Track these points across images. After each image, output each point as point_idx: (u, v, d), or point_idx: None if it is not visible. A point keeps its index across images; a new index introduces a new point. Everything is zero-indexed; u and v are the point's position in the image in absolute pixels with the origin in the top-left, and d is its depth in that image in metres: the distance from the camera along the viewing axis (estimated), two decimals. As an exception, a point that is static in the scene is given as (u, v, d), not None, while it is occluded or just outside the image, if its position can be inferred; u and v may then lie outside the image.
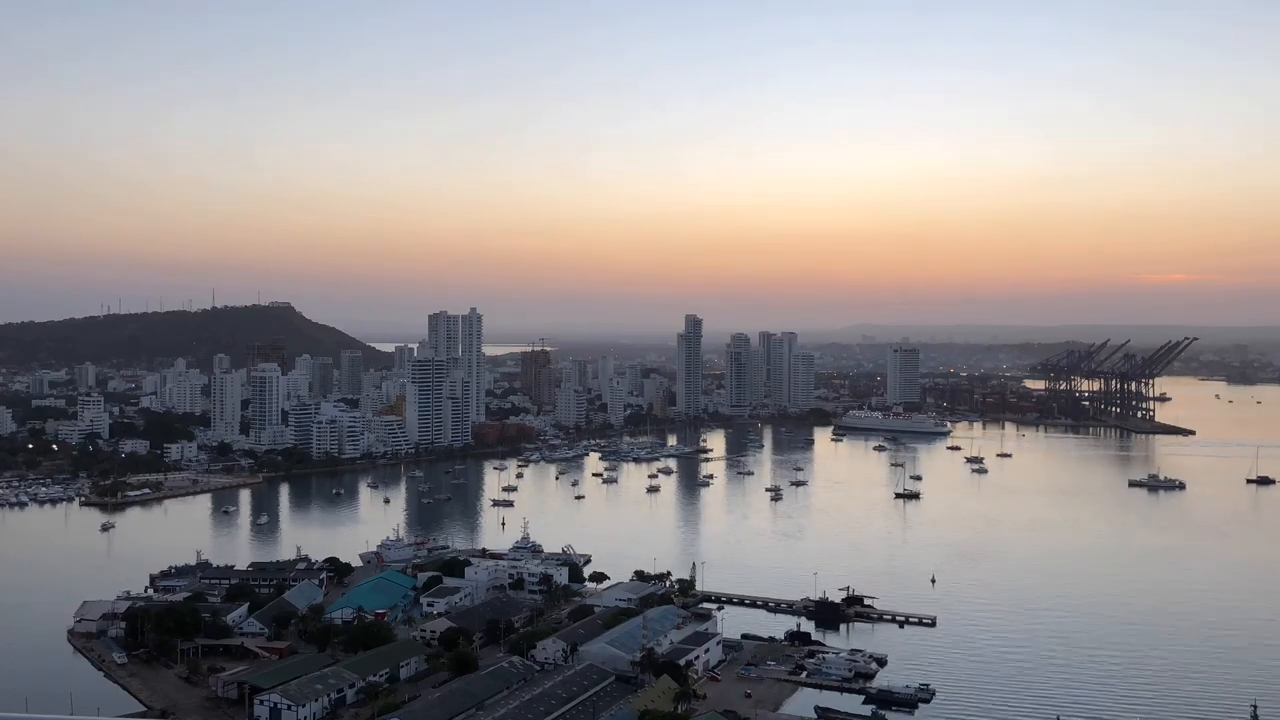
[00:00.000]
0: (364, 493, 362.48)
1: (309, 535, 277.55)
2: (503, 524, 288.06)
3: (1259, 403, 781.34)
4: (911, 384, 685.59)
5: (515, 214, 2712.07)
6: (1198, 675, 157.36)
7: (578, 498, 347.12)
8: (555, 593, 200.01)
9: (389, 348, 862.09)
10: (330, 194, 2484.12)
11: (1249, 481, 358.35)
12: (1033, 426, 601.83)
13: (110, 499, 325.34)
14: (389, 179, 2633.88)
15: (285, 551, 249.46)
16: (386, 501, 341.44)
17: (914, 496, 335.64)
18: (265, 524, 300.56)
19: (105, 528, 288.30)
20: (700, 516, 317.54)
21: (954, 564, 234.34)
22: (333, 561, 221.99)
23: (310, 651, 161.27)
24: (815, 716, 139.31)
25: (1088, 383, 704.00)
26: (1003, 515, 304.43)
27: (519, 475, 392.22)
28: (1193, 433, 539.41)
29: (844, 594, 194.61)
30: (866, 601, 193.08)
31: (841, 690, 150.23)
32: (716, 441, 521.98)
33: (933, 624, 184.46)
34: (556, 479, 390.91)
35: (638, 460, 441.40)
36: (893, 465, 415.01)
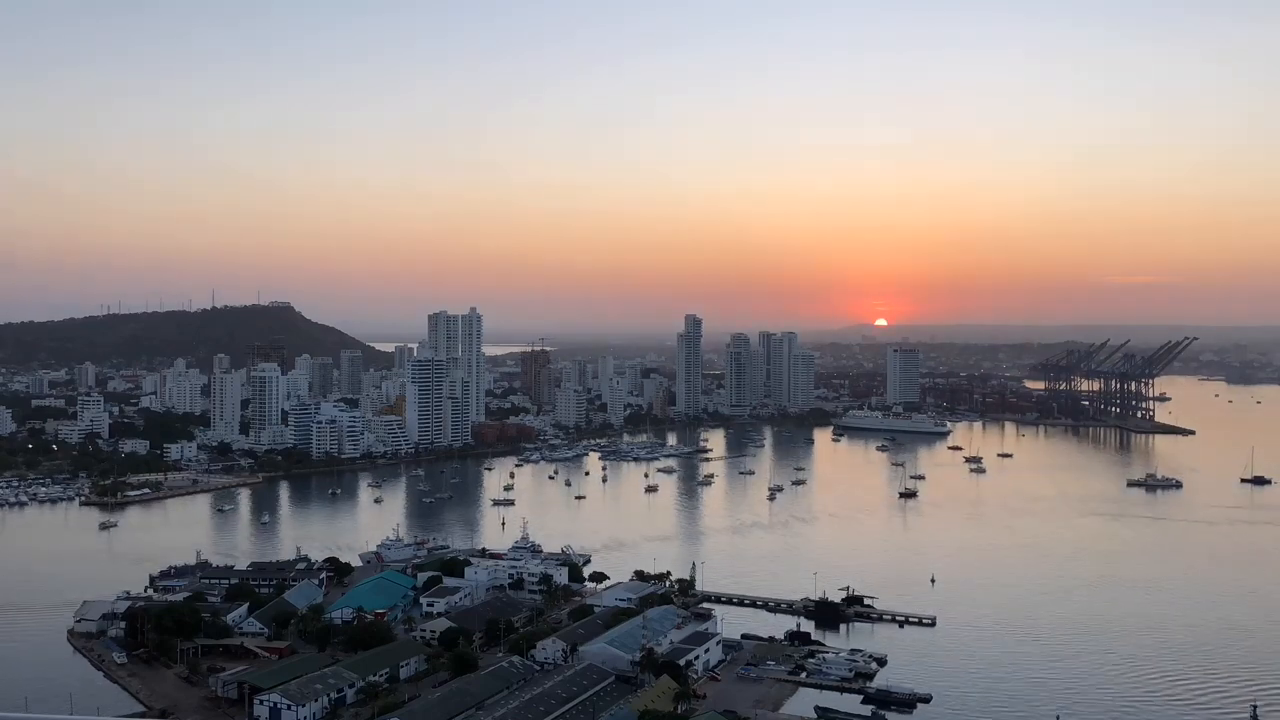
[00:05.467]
0: (364, 493, 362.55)
1: (309, 535, 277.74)
2: (503, 524, 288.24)
3: (1259, 402, 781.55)
4: (911, 384, 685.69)
5: (515, 213, 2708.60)
6: (1197, 675, 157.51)
7: (578, 498, 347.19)
8: (555, 593, 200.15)
9: (389, 348, 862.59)
10: (330, 193, 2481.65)
11: (1244, 481, 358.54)
12: (1033, 426, 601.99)
13: (110, 499, 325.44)
14: (389, 179, 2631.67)
15: (285, 551, 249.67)
16: (378, 501, 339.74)
17: (913, 495, 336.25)
18: (265, 524, 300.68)
19: (105, 526, 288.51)
20: (700, 516, 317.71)
21: (953, 564, 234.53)
22: (333, 561, 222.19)
23: (310, 651, 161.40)
24: (815, 716, 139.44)
25: (1088, 383, 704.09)
26: (1002, 515, 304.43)
27: (512, 475, 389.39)
28: (1192, 433, 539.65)
29: (844, 594, 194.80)
30: (866, 601, 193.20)
31: (841, 690, 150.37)
32: (716, 441, 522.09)
33: (933, 624, 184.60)
34: (550, 478, 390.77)
35: (637, 460, 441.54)
36: (893, 465, 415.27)
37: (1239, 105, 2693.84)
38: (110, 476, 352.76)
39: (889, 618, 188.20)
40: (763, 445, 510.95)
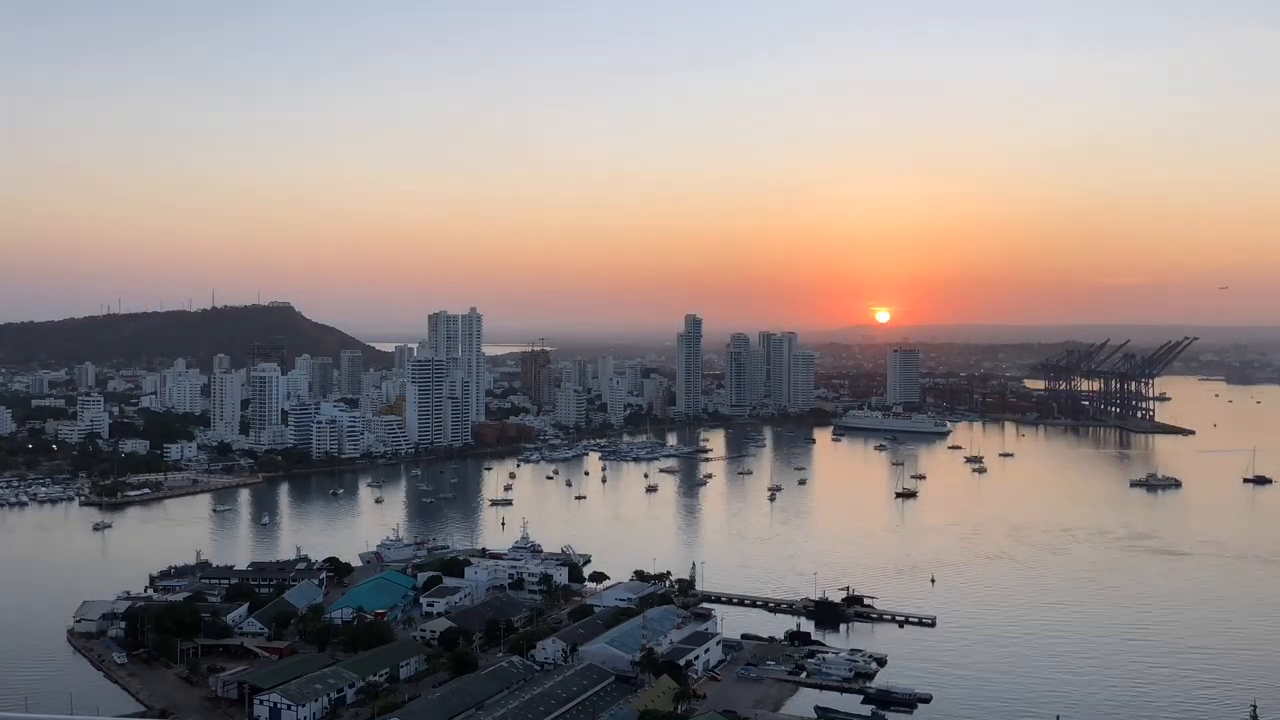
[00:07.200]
0: (364, 493, 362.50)
1: (309, 535, 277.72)
2: (503, 524, 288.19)
3: (1258, 402, 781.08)
4: (911, 384, 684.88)
5: (516, 213, 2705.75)
6: (1197, 675, 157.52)
7: (578, 498, 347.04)
8: (555, 593, 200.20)
9: (389, 348, 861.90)
10: (330, 193, 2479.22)
11: (1245, 480, 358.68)
12: (1033, 426, 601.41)
13: (110, 499, 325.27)
14: (388, 179, 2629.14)
15: (285, 551, 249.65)
16: (378, 501, 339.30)
17: (912, 495, 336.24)
18: (265, 524, 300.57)
19: (99, 527, 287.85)
20: (700, 516, 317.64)
21: (954, 564, 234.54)
22: (333, 561, 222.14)
23: (310, 651, 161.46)
24: (815, 716, 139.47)
25: (1088, 383, 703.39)
26: (1002, 515, 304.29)
27: (512, 475, 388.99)
28: (1193, 432, 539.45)
29: (844, 594, 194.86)
30: (866, 601, 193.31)
31: (841, 690, 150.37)
32: (716, 441, 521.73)
33: (932, 624, 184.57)
34: (550, 478, 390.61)
35: (637, 460, 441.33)
36: (893, 465, 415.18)
37: (1241, 105, 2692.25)
38: (110, 476, 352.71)
39: (889, 618, 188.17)
40: (763, 445, 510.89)
